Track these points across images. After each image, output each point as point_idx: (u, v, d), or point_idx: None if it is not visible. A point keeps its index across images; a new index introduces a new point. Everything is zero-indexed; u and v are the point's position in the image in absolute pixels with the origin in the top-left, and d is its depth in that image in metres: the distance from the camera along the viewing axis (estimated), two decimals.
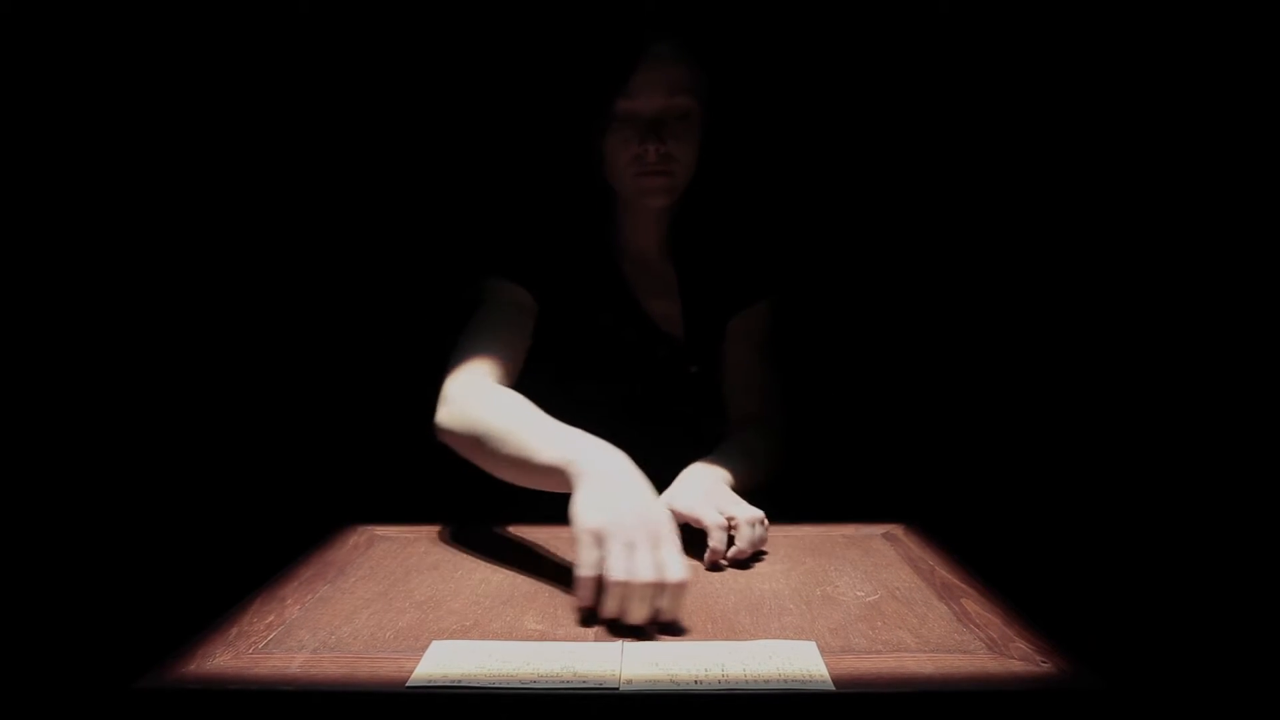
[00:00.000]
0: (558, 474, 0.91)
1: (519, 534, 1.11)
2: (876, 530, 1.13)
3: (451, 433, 1.05)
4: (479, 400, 1.05)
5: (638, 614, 0.80)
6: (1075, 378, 1.52)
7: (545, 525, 1.12)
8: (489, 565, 0.99)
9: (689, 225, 1.30)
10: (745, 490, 1.10)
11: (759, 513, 1.02)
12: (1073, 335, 1.52)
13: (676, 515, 0.98)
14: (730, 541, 1.00)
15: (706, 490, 1.05)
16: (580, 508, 0.86)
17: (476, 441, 1.01)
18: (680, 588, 0.80)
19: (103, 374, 1.47)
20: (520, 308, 1.21)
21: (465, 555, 1.03)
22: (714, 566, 0.98)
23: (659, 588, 0.80)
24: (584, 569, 0.82)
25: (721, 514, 1.00)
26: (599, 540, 0.82)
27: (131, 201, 1.48)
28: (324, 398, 1.57)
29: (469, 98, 1.52)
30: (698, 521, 0.99)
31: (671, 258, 1.31)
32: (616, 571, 0.79)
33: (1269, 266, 1.38)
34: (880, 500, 1.26)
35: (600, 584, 0.81)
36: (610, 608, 0.80)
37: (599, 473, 0.88)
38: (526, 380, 1.15)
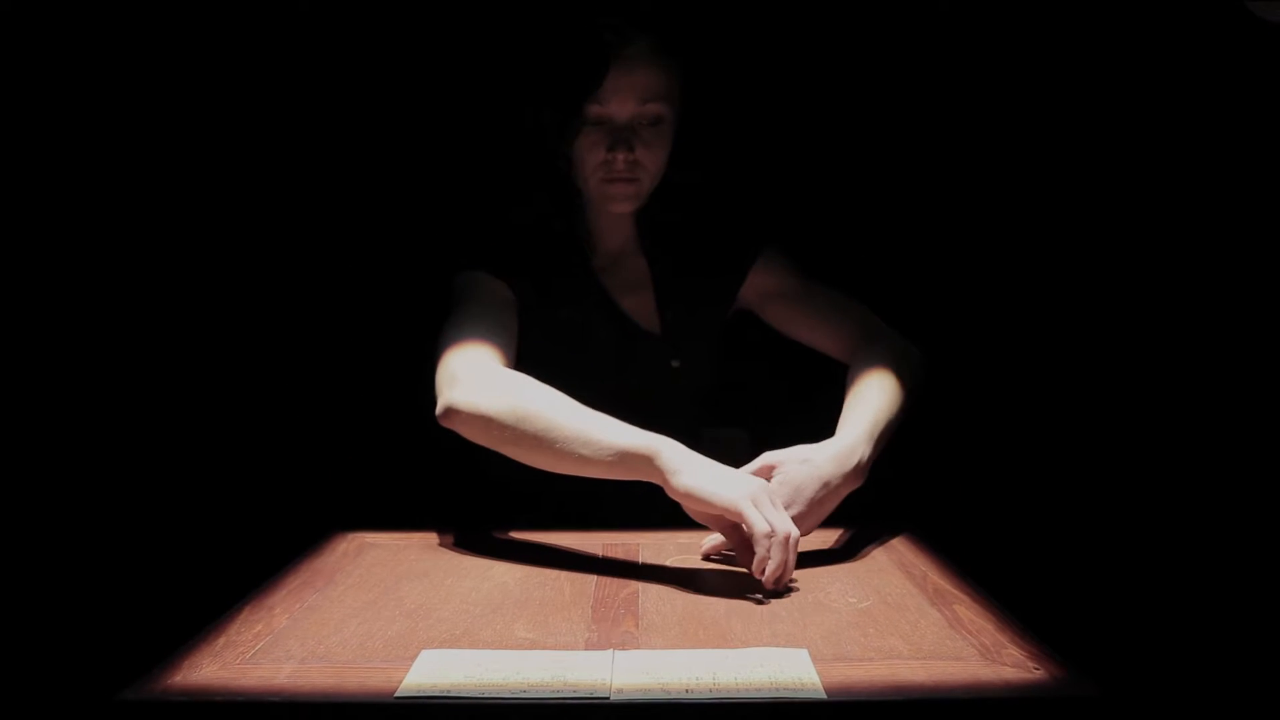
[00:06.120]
0: (637, 460, 0.95)
1: (510, 540, 1.10)
2: (869, 536, 1.13)
3: (471, 415, 0.99)
4: (504, 381, 1.02)
5: (790, 565, 0.90)
6: (1068, 382, 1.53)
7: (537, 531, 1.12)
8: (479, 573, 0.99)
9: (658, 220, 1.30)
10: (890, 429, 1.10)
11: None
12: (1067, 341, 1.53)
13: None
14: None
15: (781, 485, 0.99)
16: (714, 485, 0.92)
17: (505, 424, 0.98)
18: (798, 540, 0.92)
19: (89, 383, 1.46)
20: (505, 301, 1.20)
21: (455, 562, 1.02)
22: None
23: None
24: (763, 527, 0.89)
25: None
26: (758, 506, 0.90)
27: (111, 205, 1.47)
28: (312, 404, 1.56)
29: (448, 98, 1.53)
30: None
31: (644, 253, 1.31)
32: (783, 528, 0.90)
33: (1266, 272, 1.38)
34: (872, 506, 1.25)
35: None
36: (780, 560, 0.89)
37: (690, 456, 0.95)
38: None
